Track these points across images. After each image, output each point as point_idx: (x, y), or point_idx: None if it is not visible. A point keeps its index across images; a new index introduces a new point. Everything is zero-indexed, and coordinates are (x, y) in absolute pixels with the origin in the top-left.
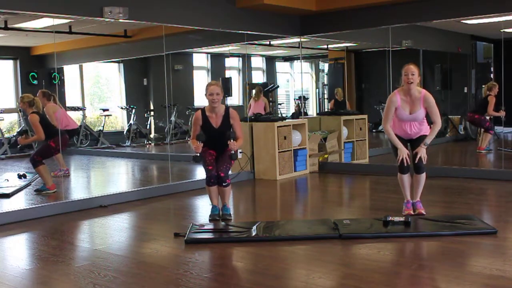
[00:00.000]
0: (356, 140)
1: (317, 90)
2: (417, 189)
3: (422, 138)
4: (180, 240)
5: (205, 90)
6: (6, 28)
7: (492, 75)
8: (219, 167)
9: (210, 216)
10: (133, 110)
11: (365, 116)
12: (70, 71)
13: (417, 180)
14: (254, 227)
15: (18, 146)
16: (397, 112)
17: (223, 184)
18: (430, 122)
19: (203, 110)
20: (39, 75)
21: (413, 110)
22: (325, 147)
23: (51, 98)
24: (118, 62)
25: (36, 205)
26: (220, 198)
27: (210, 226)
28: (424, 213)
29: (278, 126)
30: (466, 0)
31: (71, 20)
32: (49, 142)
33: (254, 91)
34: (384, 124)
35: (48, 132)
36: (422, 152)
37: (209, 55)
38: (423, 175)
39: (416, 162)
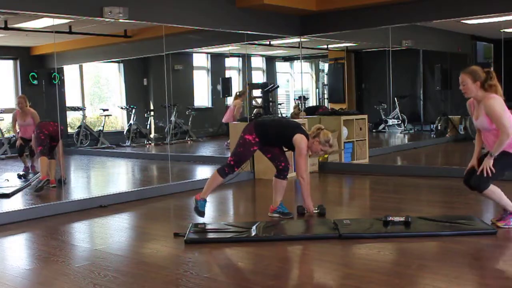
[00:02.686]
0: (356, 140)
1: (317, 90)
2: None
3: (501, 155)
4: (180, 240)
5: (323, 140)
6: (6, 28)
7: None
8: (285, 160)
9: (202, 212)
10: (133, 110)
11: (365, 116)
12: (70, 71)
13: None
14: (254, 227)
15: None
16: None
17: (287, 176)
18: None
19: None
20: (39, 75)
21: (477, 116)
22: None
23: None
24: (118, 62)
25: (36, 205)
26: (277, 194)
27: (210, 226)
28: None
29: None
30: (466, 0)
31: (71, 20)
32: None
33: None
34: None
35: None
36: (485, 163)
37: (209, 55)
38: (487, 193)
39: (472, 178)
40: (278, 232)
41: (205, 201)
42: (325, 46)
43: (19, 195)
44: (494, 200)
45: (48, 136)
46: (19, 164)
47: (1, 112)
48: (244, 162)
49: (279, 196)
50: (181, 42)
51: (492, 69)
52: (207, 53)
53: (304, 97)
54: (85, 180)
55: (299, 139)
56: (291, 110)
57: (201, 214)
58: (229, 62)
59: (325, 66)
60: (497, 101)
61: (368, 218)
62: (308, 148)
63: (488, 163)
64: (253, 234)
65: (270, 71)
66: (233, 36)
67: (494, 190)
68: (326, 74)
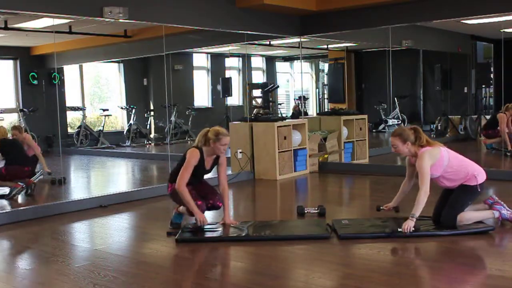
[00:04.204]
0: (356, 140)
1: (317, 90)
2: None
3: (458, 188)
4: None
5: (213, 136)
6: (6, 28)
7: (492, 75)
8: (214, 198)
9: (173, 225)
10: (133, 110)
11: (365, 116)
12: (70, 71)
13: None
14: (245, 227)
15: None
16: None
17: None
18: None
19: (201, 151)
20: (39, 75)
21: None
22: (325, 147)
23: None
24: (118, 62)
25: (36, 205)
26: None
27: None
28: None
29: (278, 126)
30: (466, 0)
31: (71, 20)
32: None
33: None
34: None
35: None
36: (408, 224)
37: (209, 55)
38: (461, 222)
39: (441, 218)
40: (272, 232)
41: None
42: (325, 46)
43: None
44: (473, 221)
45: (11, 180)
46: None
47: (1, 112)
48: (198, 196)
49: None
50: (181, 42)
51: (416, 127)
52: (207, 53)
53: (304, 97)
54: (85, 180)
55: (189, 153)
56: (291, 110)
57: (174, 225)
58: (229, 62)
59: (325, 66)
60: (426, 157)
61: (368, 218)
62: (214, 153)
63: (410, 225)
64: (243, 234)
65: (270, 71)
66: (233, 36)
67: (463, 216)
68: (326, 74)
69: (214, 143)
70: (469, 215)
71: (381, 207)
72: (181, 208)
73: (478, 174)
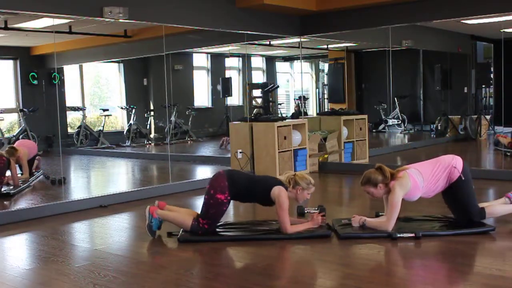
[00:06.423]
0: (356, 140)
1: (317, 90)
2: None
3: (452, 191)
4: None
5: (305, 185)
6: (6, 28)
7: (492, 75)
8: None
9: (154, 232)
10: (133, 110)
11: (365, 116)
12: (70, 71)
13: None
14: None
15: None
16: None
17: None
18: None
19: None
20: (39, 75)
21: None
22: (325, 147)
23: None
24: (118, 62)
25: (36, 205)
26: (175, 214)
27: None
28: None
29: (278, 126)
30: (466, 0)
31: (71, 20)
32: None
33: None
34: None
35: None
36: (358, 219)
37: (209, 55)
38: (491, 215)
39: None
40: (272, 231)
41: (160, 221)
42: (325, 46)
43: (19, 195)
44: (503, 214)
45: None
46: None
47: (1, 112)
48: (218, 221)
49: (169, 215)
50: (181, 42)
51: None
52: (207, 53)
53: (304, 97)
54: (85, 180)
55: (278, 191)
56: (292, 110)
57: (153, 234)
58: (229, 62)
59: (325, 66)
60: (397, 189)
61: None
62: (295, 199)
63: (360, 220)
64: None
65: (270, 71)
66: (233, 36)
67: (494, 211)
68: (326, 74)
69: (302, 191)
70: (500, 209)
71: (380, 214)
72: (160, 211)
73: (455, 163)
